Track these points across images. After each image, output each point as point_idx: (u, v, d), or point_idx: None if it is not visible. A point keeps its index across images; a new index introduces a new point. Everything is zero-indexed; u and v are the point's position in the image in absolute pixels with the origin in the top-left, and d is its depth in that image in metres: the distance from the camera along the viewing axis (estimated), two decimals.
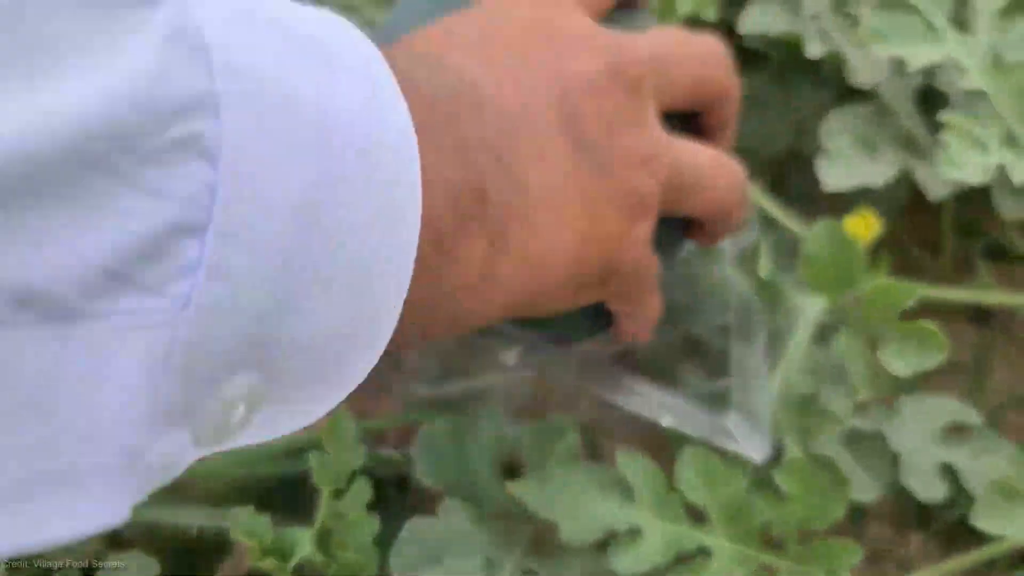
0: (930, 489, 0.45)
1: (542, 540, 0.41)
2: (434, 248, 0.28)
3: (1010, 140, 0.48)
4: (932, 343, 0.41)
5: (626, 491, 0.39)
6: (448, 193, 0.29)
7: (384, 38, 0.41)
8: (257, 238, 0.22)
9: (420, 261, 0.27)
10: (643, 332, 0.41)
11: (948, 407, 0.48)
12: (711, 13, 0.55)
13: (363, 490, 0.42)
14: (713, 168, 0.38)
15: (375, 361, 0.27)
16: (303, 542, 0.40)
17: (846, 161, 0.50)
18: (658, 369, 0.47)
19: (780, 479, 0.40)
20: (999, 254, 0.67)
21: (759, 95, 0.61)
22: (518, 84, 0.33)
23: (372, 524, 0.41)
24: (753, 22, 0.54)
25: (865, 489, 0.45)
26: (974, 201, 0.55)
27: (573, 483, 0.39)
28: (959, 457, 0.45)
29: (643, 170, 0.34)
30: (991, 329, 0.68)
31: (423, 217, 0.27)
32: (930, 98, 0.56)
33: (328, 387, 0.26)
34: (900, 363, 0.42)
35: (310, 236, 0.23)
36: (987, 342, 0.63)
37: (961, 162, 0.46)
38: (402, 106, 0.26)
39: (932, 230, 0.64)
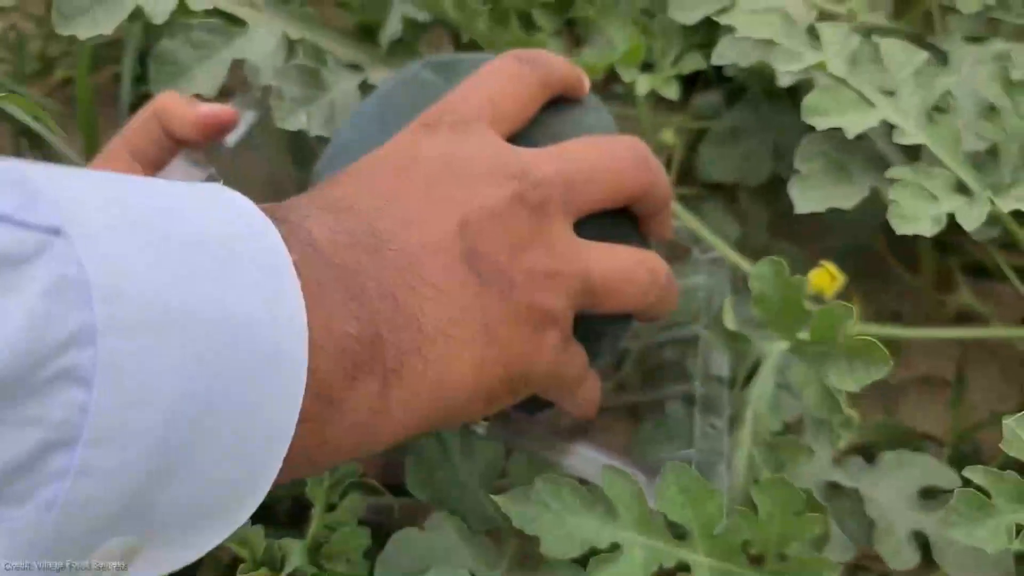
0: (901, 559, 0.47)
1: (527, 555, 0.42)
2: (323, 402, 0.30)
3: (959, 187, 0.50)
4: (876, 356, 0.41)
5: (609, 508, 0.40)
6: (341, 349, 0.30)
7: (329, 160, 0.44)
8: (129, 438, 0.23)
9: (306, 415, 0.29)
10: (586, 413, 0.43)
11: (926, 467, 0.49)
12: (672, 92, 0.58)
13: (355, 504, 0.43)
14: (627, 271, 0.39)
15: (259, 501, 0.29)
16: (295, 553, 0.41)
17: (818, 184, 0.52)
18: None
19: (756, 497, 0.41)
20: (978, 270, 0.69)
21: (740, 127, 0.63)
22: (423, 223, 0.34)
23: (363, 537, 0.42)
24: (724, 54, 0.55)
25: (841, 550, 0.46)
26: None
27: (557, 499, 0.40)
28: (931, 524, 0.46)
29: (548, 286, 0.36)
30: (971, 345, 0.69)
31: (313, 377, 0.28)
32: None
33: (211, 531, 0.28)
34: (848, 381, 0.42)
35: (188, 427, 0.25)
36: (967, 357, 0.64)
37: (913, 216, 0.48)
38: (295, 297, 0.28)
39: (912, 246, 0.65)
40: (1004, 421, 0.40)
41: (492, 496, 0.40)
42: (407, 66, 0.47)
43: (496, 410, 0.38)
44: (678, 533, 0.41)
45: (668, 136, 0.62)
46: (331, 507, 0.43)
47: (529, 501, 0.40)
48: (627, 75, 0.58)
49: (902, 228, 0.47)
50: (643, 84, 0.58)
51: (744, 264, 0.53)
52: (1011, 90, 0.52)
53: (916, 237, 0.62)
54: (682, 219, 0.56)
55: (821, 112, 0.51)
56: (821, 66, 0.53)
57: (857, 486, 0.48)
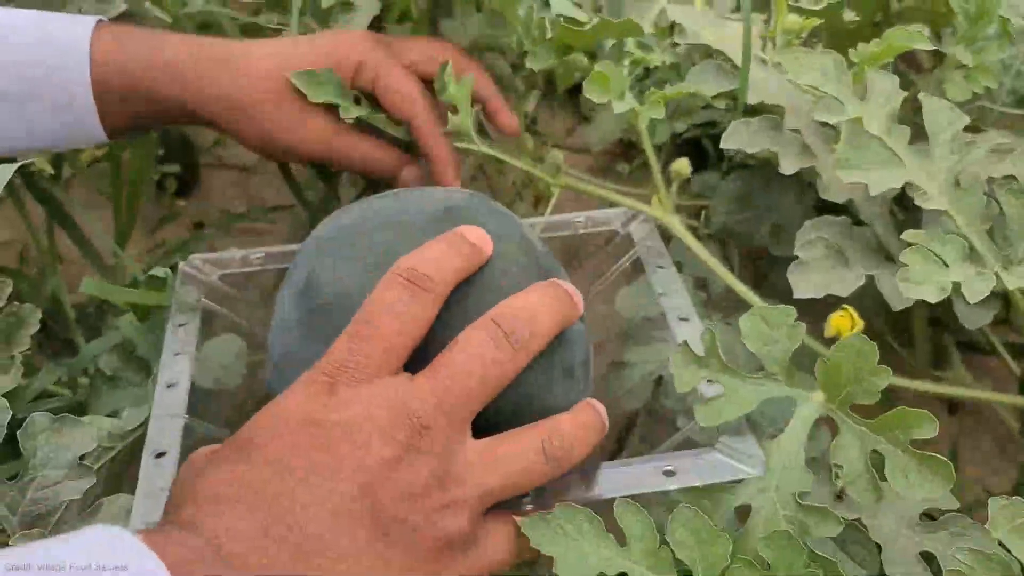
0: None
1: None
2: None
3: (971, 256, 0.50)
4: (942, 473, 0.41)
5: (622, 539, 0.41)
6: None
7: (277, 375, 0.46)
8: None
9: None
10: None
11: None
12: (660, 113, 0.58)
13: None
14: (523, 469, 0.41)
15: None
16: None
17: (818, 270, 0.52)
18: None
19: (763, 551, 0.41)
20: (970, 346, 0.70)
21: (746, 192, 0.65)
22: (328, 493, 0.36)
23: None
24: (732, 140, 0.56)
25: None
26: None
27: (573, 524, 0.41)
28: (937, 543, 0.45)
29: (448, 515, 0.38)
30: (963, 416, 0.70)
31: None
32: (906, 203, 0.59)
33: None
34: (908, 490, 0.42)
35: None
36: (961, 431, 0.65)
37: (921, 281, 0.48)
38: None
39: (908, 322, 0.66)
40: (990, 501, 0.41)
41: (514, 517, 0.41)
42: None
43: None
44: (684, 570, 0.41)
45: (682, 166, 0.62)
46: None
47: (548, 525, 0.41)
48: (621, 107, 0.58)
49: (908, 292, 0.47)
50: (624, 104, 0.58)
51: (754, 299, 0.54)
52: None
53: (912, 314, 0.64)
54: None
55: (852, 167, 0.51)
56: (858, 122, 0.52)
57: (859, 516, 0.47)
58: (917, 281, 0.47)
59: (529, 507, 0.43)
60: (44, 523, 0.43)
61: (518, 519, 0.41)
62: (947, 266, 0.48)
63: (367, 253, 0.44)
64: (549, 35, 0.62)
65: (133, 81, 0.58)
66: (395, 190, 0.51)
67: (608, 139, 0.86)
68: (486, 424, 0.42)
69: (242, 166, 0.89)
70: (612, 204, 0.63)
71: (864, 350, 0.42)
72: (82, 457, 0.45)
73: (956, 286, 0.48)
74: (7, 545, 0.41)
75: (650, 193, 0.69)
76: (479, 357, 0.40)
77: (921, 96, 0.53)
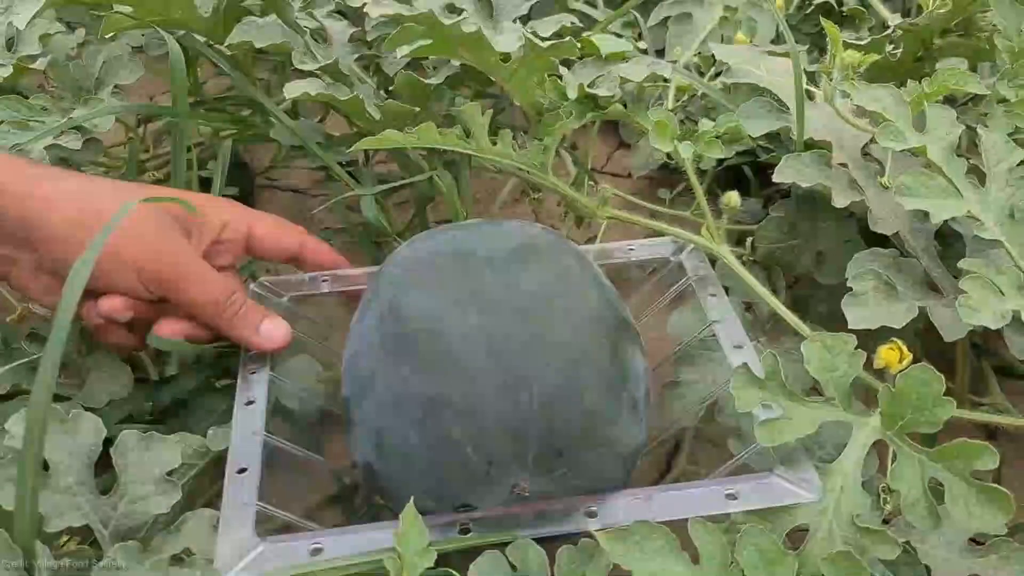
0: None
1: None
2: None
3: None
4: (1002, 504, 0.42)
5: (695, 556, 0.41)
6: None
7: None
8: None
9: None
10: None
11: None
12: (719, 152, 0.59)
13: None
14: None
15: None
16: None
17: (870, 303, 0.53)
18: None
19: (826, 570, 0.41)
20: (1007, 371, 0.70)
21: (790, 222, 0.65)
22: None
23: None
24: (785, 174, 0.57)
25: None
26: None
27: (650, 540, 0.41)
28: (986, 567, 0.46)
29: None
30: (1003, 441, 0.70)
31: None
32: (947, 236, 0.60)
33: None
34: (969, 519, 0.42)
35: None
36: (1003, 457, 0.66)
37: (979, 308, 0.48)
38: None
39: (945, 347, 0.67)
40: None
41: (594, 531, 0.42)
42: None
43: None
44: None
45: (732, 199, 0.63)
46: None
47: (626, 540, 0.41)
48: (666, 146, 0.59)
49: (968, 318, 0.48)
50: (686, 150, 0.59)
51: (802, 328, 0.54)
52: None
53: (954, 341, 0.64)
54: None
55: (913, 194, 0.52)
56: (921, 151, 0.53)
57: (908, 538, 0.48)
58: (976, 308, 0.48)
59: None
60: (134, 536, 0.44)
61: (597, 534, 0.41)
62: (1003, 294, 0.49)
63: (451, 284, 0.46)
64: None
65: None
66: (466, 222, 0.53)
67: (650, 165, 0.87)
68: (551, 442, 0.43)
69: (295, 188, 0.91)
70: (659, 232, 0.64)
71: (930, 380, 0.43)
72: (169, 473, 0.46)
73: (1016, 314, 0.49)
74: (102, 557, 0.42)
75: (692, 219, 0.70)
76: None
77: (980, 129, 0.54)
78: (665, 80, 0.69)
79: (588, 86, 0.63)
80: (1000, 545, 0.46)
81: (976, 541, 0.48)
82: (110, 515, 0.45)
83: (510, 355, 0.43)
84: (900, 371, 0.46)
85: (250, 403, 0.51)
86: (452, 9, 0.68)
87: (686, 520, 0.42)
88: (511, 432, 0.43)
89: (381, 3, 0.59)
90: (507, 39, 0.59)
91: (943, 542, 0.47)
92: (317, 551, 0.43)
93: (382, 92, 0.71)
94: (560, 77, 0.65)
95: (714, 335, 0.55)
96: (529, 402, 0.43)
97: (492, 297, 0.45)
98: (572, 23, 0.70)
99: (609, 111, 0.64)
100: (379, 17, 0.61)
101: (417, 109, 0.64)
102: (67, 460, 0.45)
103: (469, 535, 0.45)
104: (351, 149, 0.59)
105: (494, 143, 0.59)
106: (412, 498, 0.43)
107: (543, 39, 0.65)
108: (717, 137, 0.59)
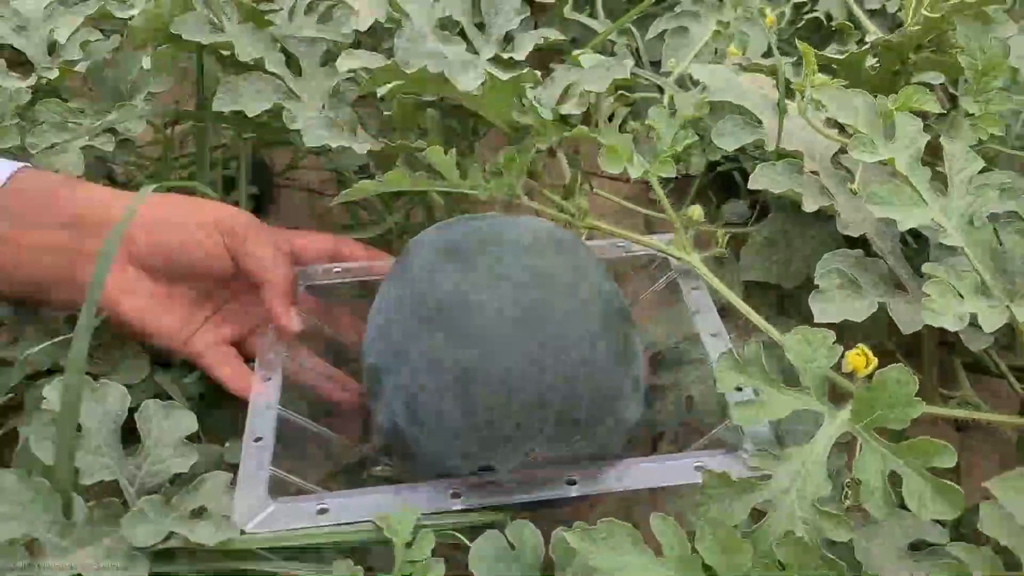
0: None
1: None
2: None
3: (982, 290, 0.54)
4: (952, 500, 0.45)
5: (657, 549, 0.44)
6: None
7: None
8: None
9: None
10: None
11: (917, 523, 0.50)
12: (670, 171, 0.62)
13: (427, 540, 0.47)
14: None
15: None
16: None
17: (836, 299, 0.56)
18: None
19: (779, 553, 0.45)
20: (977, 367, 0.74)
21: (774, 238, 0.69)
22: None
23: (439, 569, 0.47)
24: (759, 181, 0.61)
25: None
26: None
27: (614, 536, 0.44)
28: (923, 571, 0.48)
29: None
30: (971, 432, 0.74)
31: None
32: (917, 236, 0.64)
33: None
34: (921, 511, 0.45)
35: None
36: (968, 447, 0.69)
37: (941, 311, 0.51)
38: None
39: (917, 343, 0.70)
40: (980, 505, 0.44)
41: (563, 532, 0.45)
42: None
43: None
44: (711, 574, 0.45)
45: (695, 212, 0.64)
46: (408, 544, 0.48)
47: (591, 537, 0.44)
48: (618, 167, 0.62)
49: (931, 320, 0.51)
50: (636, 169, 0.62)
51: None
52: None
53: (922, 336, 0.68)
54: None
55: (884, 203, 0.55)
56: (890, 162, 0.56)
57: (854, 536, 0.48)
58: (939, 312, 0.51)
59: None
60: (156, 492, 0.49)
61: (565, 534, 0.44)
62: (962, 298, 0.52)
63: (482, 264, 0.51)
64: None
65: None
66: (487, 214, 0.58)
67: None
68: (570, 412, 0.48)
69: (311, 188, 0.96)
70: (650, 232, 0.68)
71: (905, 381, 0.46)
72: (187, 438, 0.51)
73: (973, 316, 0.51)
74: (127, 512, 0.47)
75: (682, 224, 0.74)
76: None
77: (942, 139, 0.57)
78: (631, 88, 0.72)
79: (558, 102, 0.66)
80: (940, 552, 0.49)
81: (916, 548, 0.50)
82: (135, 473, 0.49)
83: (537, 330, 0.48)
84: (866, 375, 0.49)
85: (267, 379, 0.56)
86: (445, 25, 0.72)
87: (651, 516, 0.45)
88: (536, 400, 0.48)
89: (352, 55, 0.64)
90: (467, 79, 0.60)
91: (886, 544, 0.50)
92: (323, 511, 0.48)
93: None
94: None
95: (689, 337, 0.59)
96: (553, 374, 0.48)
97: (519, 278, 0.50)
98: (550, 38, 0.74)
99: (575, 132, 0.66)
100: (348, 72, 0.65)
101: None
102: (97, 425, 0.50)
103: (460, 498, 0.49)
104: (335, 201, 0.65)
105: (464, 177, 0.61)
106: (442, 455, 0.49)
107: (513, 62, 0.70)
108: (672, 157, 0.63)
